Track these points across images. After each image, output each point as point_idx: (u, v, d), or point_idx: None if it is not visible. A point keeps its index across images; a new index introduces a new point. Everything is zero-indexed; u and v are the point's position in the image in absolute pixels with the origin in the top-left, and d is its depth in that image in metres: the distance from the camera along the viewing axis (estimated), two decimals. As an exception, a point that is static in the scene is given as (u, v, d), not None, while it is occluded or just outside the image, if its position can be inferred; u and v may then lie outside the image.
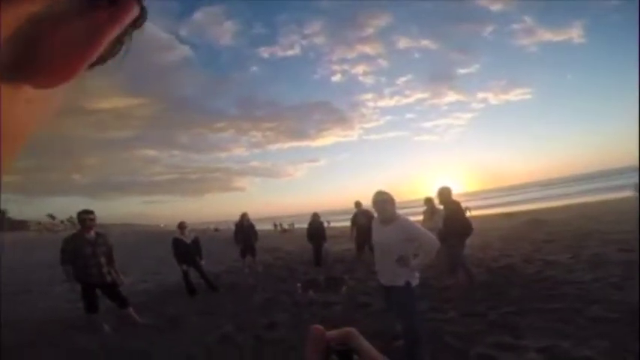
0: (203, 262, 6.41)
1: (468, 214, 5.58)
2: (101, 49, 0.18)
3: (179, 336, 4.11)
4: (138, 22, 0.22)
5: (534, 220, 12.53)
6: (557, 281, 4.85)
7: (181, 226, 6.40)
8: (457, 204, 5.21)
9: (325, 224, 9.44)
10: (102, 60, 0.21)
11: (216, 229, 44.43)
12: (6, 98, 0.16)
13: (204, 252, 6.62)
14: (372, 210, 3.19)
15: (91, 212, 4.33)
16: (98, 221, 4.53)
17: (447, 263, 5.35)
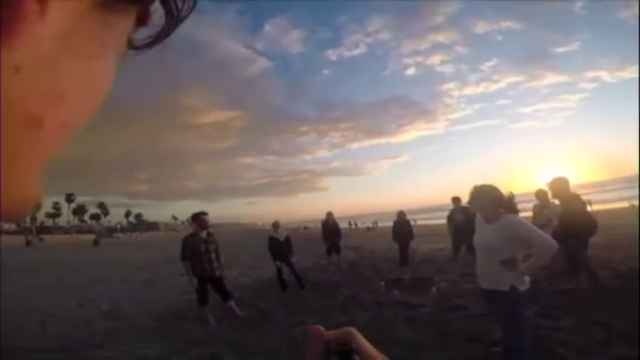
0: (294, 259, 6.79)
1: (589, 208, 4.66)
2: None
3: (269, 329, 4.36)
4: (144, 20, 0.21)
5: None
6: None
7: (275, 224, 6.95)
8: (576, 197, 4.43)
9: (412, 222, 9.06)
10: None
11: (305, 228, 46.60)
12: None
13: (295, 249, 6.97)
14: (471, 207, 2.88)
15: (204, 213, 4.81)
16: (210, 221, 4.96)
17: (567, 265, 4.59)
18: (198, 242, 4.65)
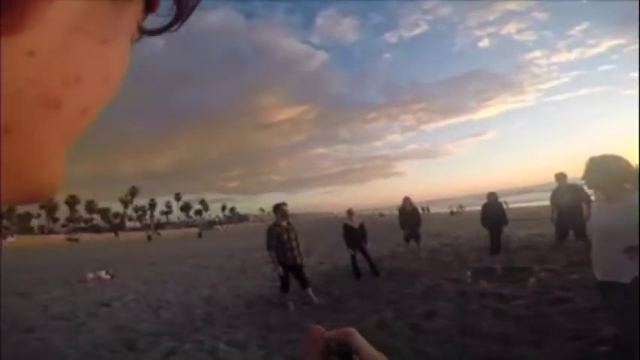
0: (368, 247, 6.70)
1: None
2: None
3: (343, 317, 4.37)
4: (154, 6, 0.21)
5: None
6: None
7: (349, 212, 7.01)
8: None
9: (504, 205, 8.11)
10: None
11: (381, 215, 45.98)
12: None
13: (370, 237, 6.89)
14: (582, 183, 2.46)
15: (284, 204, 5.04)
16: (289, 211, 5.21)
17: None
18: (281, 231, 4.86)
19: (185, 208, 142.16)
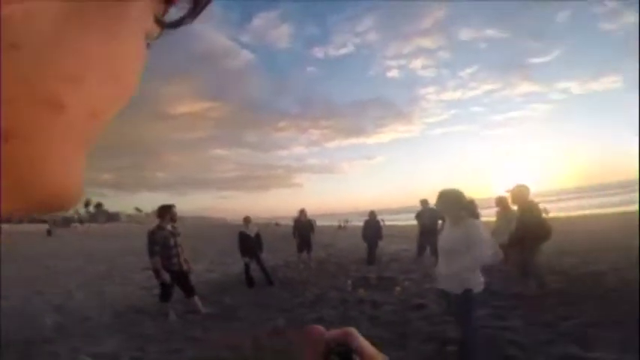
0: (263, 256, 6.70)
1: (545, 215, 4.96)
2: None
3: (233, 326, 4.30)
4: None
5: (626, 224, 10.73)
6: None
7: (246, 220, 6.79)
8: (534, 205, 4.69)
9: (381, 223, 9.24)
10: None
11: (277, 224, 46.25)
12: None
13: (265, 246, 6.89)
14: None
15: (173, 206, 4.64)
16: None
17: (518, 268, 4.86)
18: (167, 236, 4.49)
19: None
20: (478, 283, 2.60)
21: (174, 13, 0.20)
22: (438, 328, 3.65)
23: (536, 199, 5.02)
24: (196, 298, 4.88)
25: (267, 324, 4.22)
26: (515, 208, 5.07)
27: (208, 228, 42.61)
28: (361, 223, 9.03)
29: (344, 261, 8.91)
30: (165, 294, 4.64)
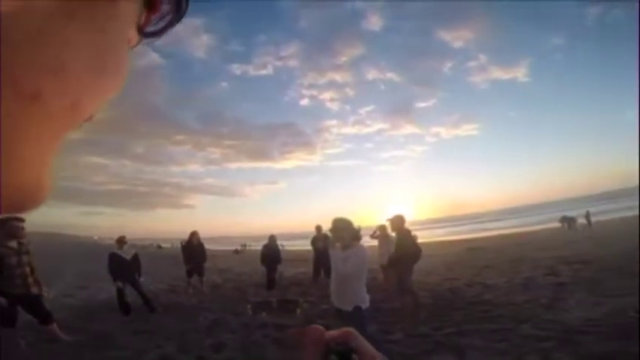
0: (142, 280, 6.03)
1: (418, 241, 5.88)
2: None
3: (111, 354, 3.78)
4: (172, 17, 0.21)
5: (475, 248, 13.49)
6: (494, 303, 5.22)
7: (120, 240, 6.04)
8: (408, 231, 5.43)
9: (280, 247, 9.29)
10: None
11: (159, 246, 41.58)
12: None
13: (145, 270, 6.26)
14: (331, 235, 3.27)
15: (21, 219, 4.01)
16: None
17: (396, 286, 5.52)
18: (7, 254, 3.86)
19: None
20: (365, 300, 2.93)
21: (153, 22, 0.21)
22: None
23: (412, 227, 5.92)
24: (55, 325, 4.34)
25: (155, 351, 3.79)
26: (393, 234, 5.84)
27: (65, 247, 35.15)
28: (259, 248, 8.94)
29: (242, 285, 8.60)
30: (7, 320, 3.96)
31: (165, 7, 0.20)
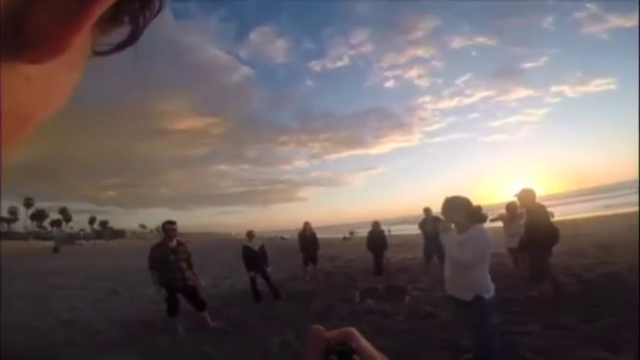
0: (269, 269, 6.64)
1: (552, 218, 4.91)
2: (93, 18, 0.16)
3: (243, 340, 4.23)
4: (154, 8, 0.21)
5: (633, 225, 10.60)
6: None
7: (249, 234, 6.77)
8: (542, 208, 4.63)
9: (386, 232, 9.16)
10: (120, 46, 0.21)
11: (282, 238, 45.80)
12: (3, 76, 0.15)
13: (270, 259, 6.85)
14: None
15: (173, 222, 4.70)
16: (180, 230, 4.97)
17: (530, 272, 4.78)
18: (167, 252, 4.56)
19: (38, 216, 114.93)
20: (488, 288, 2.56)
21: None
22: (451, 337, 3.56)
23: (542, 202, 4.97)
24: (206, 313, 4.86)
25: (277, 337, 4.15)
26: (523, 211, 5.02)
27: (213, 243, 42.33)
28: (365, 234, 8.98)
29: (351, 272, 8.81)
30: (170, 308, 4.63)
31: (123, 28, 0.21)
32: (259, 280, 6.43)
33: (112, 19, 0.19)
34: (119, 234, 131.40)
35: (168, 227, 4.66)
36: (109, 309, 6.30)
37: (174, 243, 4.63)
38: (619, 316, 3.49)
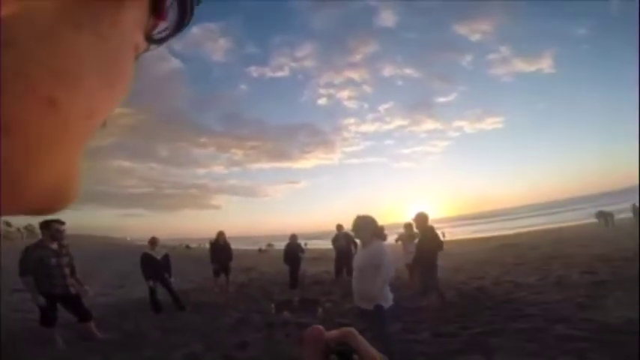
0: (172, 280, 6.23)
1: (442, 238, 5.71)
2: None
3: (140, 352, 3.92)
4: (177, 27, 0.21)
5: (505, 245, 12.97)
6: (525, 302, 4.99)
7: (152, 241, 6.27)
8: (431, 228, 5.30)
9: (303, 246, 9.33)
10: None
11: (187, 247, 42.85)
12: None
13: (174, 269, 6.45)
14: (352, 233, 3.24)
15: (60, 222, 4.17)
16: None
17: (420, 285, 5.40)
18: (48, 255, 4.02)
19: None
20: (387, 298, 2.86)
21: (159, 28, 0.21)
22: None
23: (437, 224, 5.77)
24: (92, 324, 4.47)
25: (182, 349, 3.90)
26: (417, 232, 5.71)
27: (102, 248, 36.94)
28: (282, 247, 9.02)
29: (266, 284, 8.71)
30: (46, 318, 4.12)
31: (171, 14, 0.20)
32: (160, 291, 5.95)
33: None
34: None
35: (54, 227, 4.08)
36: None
37: (55, 245, 4.10)
38: (489, 324, 4.16)
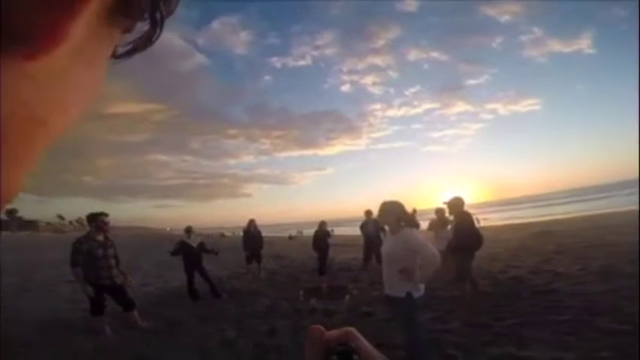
0: (208, 268, 6.43)
1: (477, 225, 5.45)
2: (88, 5, 0.14)
3: (179, 340, 4.09)
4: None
5: (543, 232, 12.34)
6: (565, 293, 4.76)
7: (188, 230, 6.49)
8: (468, 215, 5.08)
9: (331, 232, 9.41)
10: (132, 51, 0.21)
11: (222, 235, 44.27)
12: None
13: (210, 257, 6.63)
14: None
15: (105, 215, 4.37)
16: None
17: (454, 274, 5.27)
18: (94, 246, 4.21)
19: None
20: (418, 287, 2.76)
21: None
22: (387, 334, 3.80)
23: (470, 210, 5.53)
24: (136, 312, 4.61)
25: (217, 336, 4.07)
26: (451, 217, 5.53)
27: (144, 239, 39.19)
28: (311, 234, 9.11)
29: (296, 271, 8.88)
30: (95, 308, 4.31)
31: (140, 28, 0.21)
32: (197, 279, 6.19)
33: (128, 13, 0.18)
34: (30, 225, 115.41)
35: (101, 219, 4.30)
36: (15, 309, 5.55)
37: (102, 237, 4.30)
38: (524, 316, 4.02)
